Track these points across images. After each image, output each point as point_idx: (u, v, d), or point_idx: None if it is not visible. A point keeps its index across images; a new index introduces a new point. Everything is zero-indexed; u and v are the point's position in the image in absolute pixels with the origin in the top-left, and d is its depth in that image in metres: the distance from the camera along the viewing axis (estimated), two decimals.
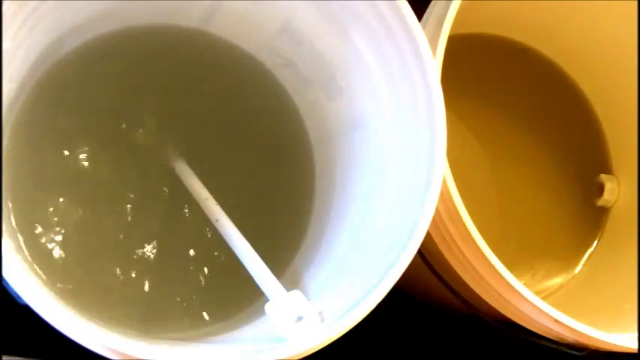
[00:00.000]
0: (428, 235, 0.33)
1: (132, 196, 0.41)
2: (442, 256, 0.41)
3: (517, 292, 0.39)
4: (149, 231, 0.41)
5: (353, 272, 0.36)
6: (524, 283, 0.40)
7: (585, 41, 0.52)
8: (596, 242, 0.54)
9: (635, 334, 0.42)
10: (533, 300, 0.39)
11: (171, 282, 0.40)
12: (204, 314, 0.40)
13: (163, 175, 0.41)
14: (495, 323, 0.44)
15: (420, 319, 0.58)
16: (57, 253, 0.39)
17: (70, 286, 0.37)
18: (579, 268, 0.53)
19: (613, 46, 0.51)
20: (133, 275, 0.40)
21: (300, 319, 0.32)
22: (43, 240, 0.38)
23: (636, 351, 0.41)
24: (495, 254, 0.39)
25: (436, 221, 0.39)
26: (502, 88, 0.54)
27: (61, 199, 0.39)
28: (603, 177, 0.54)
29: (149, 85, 0.42)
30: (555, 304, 0.40)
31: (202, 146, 0.43)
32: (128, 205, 0.41)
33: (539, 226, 0.54)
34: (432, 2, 0.43)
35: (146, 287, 0.40)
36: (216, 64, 0.43)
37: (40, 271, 0.37)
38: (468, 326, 0.50)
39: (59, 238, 0.39)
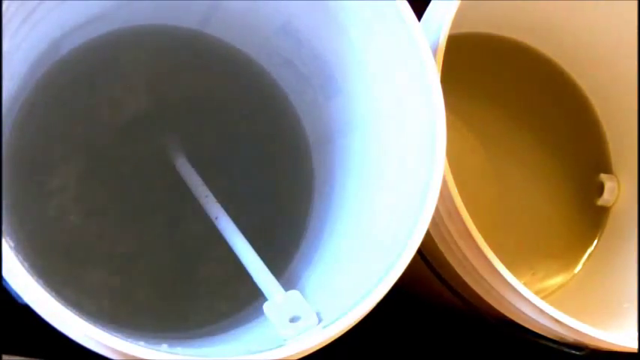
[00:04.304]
0: (428, 235, 0.33)
1: (132, 194, 0.41)
2: (442, 255, 0.41)
3: (517, 291, 0.39)
4: (148, 230, 0.41)
5: (352, 272, 0.36)
6: (524, 283, 0.40)
7: (585, 41, 0.52)
8: (596, 242, 0.54)
9: (635, 334, 0.42)
10: (533, 299, 0.39)
11: (170, 282, 0.40)
12: (204, 314, 0.40)
13: (164, 172, 0.41)
14: (495, 323, 0.44)
15: (420, 319, 0.58)
16: (57, 252, 0.39)
17: (71, 287, 0.38)
18: (579, 267, 0.53)
19: (613, 46, 0.51)
20: (132, 275, 0.40)
21: (298, 319, 0.32)
22: (43, 240, 0.38)
23: (636, 351, 0.41)
24: (495, 254, 0.39)
25: (436, 221, 0.39)
26: (502, 88, 0.54)
27: (61, 198, 0.40)
28: (603, 176, 0.54)
29: (149, 85, 0.42)
30: (555, 304, 0.40)
31: (202, 145, 0.43)
32: (128, 204, 0.41)
33: (539, 226, 0.54)
34: (432, 2, 0.43)
35: (145, 287, 0.40)
36: (215, 65, 0.43)
37: (40, 272, 0.37)
38: (468, 326, 0.50)
39: (59, 237, 0.39)
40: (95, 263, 0.40)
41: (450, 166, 0.38)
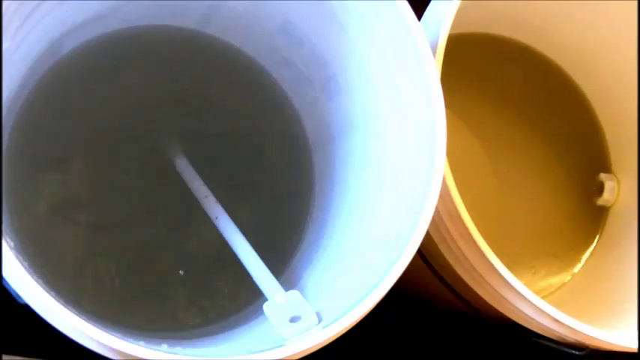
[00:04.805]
0: (428, 235, 0.33)
1: (132, 194, 0.41)
2: (442, 256, 0.41)
3: (517, 291, 0.39)
4: (148, 229, 0.41)
5: (352, 272, 0.36)
6: (525, 283, 0.40)
7: (585, 41, 0.52)
8: (596, 241, 0.54)
9: (635, 334, 0.42)
10: (533, 299, 0.39)
11: (170, 282, 0.40)
12: (204, 314, 0.40)
13: (164, 172, 0.41)
14: (495, 323, 0.44)
15: (420, 319, 0.58)
16: (56, 252, 0.39)
17: (71, 287, 0.37)
18: (579, 267, 0.53)
19: (613, 46, 0.51)
20: (133, 275, 0.40)
21: (298, 319, 0.32)
22: (43, 240, 0.38)
23: (636, 351, 0.41)
24: (495, 254, 0.39)
25: (436, 221, 0.39)
26: (502, 88, 0.54)
27: (60, 198, 0.40)
28: (603, 176, 0.54)
29: (149, 85, 0.42)
30: (555, 304, 0.40)
31: (202, 145, 0.43)
32: (128, 204, 0.41)
33: (539, 226, 0.54)
34: (432, 2, 0.43)
35: (146, 287, 0.40)
36: (215, 65, 0.43)
37: (40, 271, 0.37)
38: (468, 326, 0.50)
39: (59, 237, 0.39)
40: (95, 263, 0.40)
41: (450, 166, 0.38)
